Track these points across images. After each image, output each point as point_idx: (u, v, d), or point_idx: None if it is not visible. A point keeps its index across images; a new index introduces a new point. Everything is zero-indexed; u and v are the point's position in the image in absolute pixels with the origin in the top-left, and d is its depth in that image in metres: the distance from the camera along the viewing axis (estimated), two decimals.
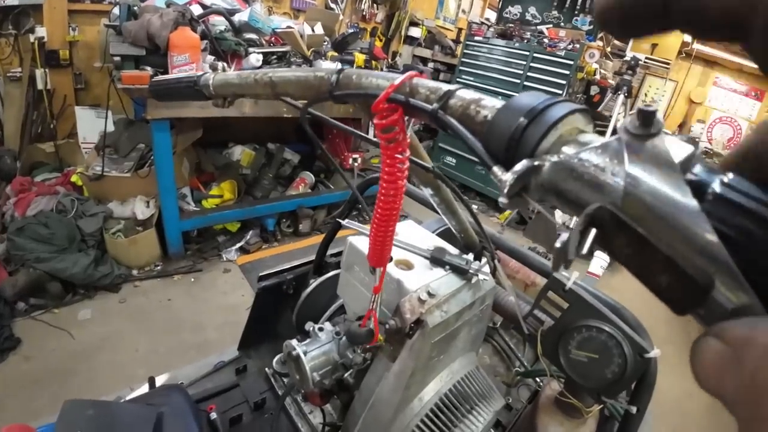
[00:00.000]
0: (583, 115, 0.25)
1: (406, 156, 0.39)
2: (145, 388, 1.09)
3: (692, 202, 0.17)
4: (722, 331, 0.16)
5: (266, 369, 1.15)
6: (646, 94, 6.37)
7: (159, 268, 2.85)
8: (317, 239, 3.30)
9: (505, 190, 0.23)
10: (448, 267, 0.74)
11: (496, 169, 0.24)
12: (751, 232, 0.16)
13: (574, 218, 0.20)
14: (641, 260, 0.19)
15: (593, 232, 0.19)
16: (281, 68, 0.47)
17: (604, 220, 0.19)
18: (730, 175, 0.18)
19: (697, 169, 0.19)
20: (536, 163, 0.22)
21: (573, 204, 0.21)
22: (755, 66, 0.19)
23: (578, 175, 0.21)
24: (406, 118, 0.35)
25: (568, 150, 0.22)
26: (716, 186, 0.18)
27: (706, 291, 0.17)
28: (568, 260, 0.19)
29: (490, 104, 0.28)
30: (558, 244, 0.19)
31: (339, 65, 2.92)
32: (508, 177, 0.23)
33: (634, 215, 0.18)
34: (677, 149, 0.19)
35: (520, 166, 0.23)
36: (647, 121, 0.19)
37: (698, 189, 0.18)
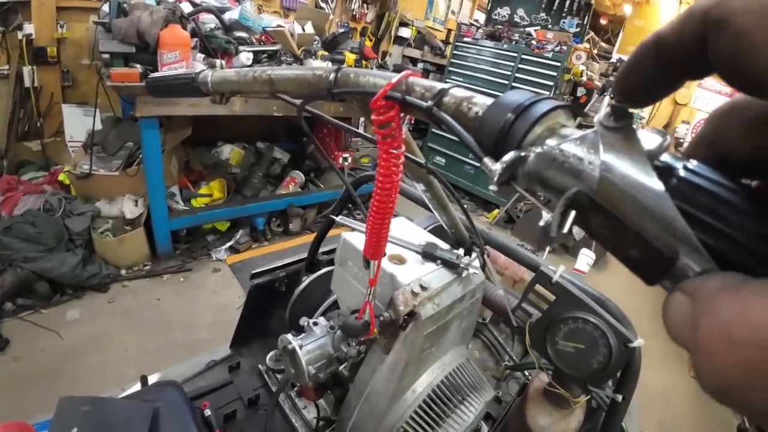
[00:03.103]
0: (565, 111, 0.27)
1: (402, 151, 0.41)
2: (136, 388, 1.09)
3: (658, 185, 0.20)
4: (683, 285, 0.19)
5: (259, 366, 1.16)
6: None
7: (148, 267, 2.83)
8: (307, 238, 3.31)
9: (495, 179, 0.25)
10: (439, 261, 0.76)
11: (486, 160, 0.27)
12: (710, 208, 0.19)
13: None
14: (615, 237, 0.21)
15: (573, 213, 0.22)
16: (279, 66, 0.49)
17: (582, 202, 0.22)
18: (693, 162, 0.21)
19: (665, 156, 0.21)
20: (522, 153, 0.25)
21: (555, 190, 0.24)
22: None
23: (559, 164, 0.23)
24: (402, 114, 0.37)
25: (550, 142, 0.25)
26: (680, 171, 0.20)
27: (671, 262, 0.19)
28: (550, 238, 0.22)
29: (481, 101, 0.31)
30: (541, 223, 0.22)
31: (330, 64, 2.94)
32: (497, 167, 0.25)
33: (607, 198, 0.21)
34: (649, 140, 0.21)
35: (507, 157, 0.25)
36: (619, 115, 0.22)
37: (666, 174, 0.20)
